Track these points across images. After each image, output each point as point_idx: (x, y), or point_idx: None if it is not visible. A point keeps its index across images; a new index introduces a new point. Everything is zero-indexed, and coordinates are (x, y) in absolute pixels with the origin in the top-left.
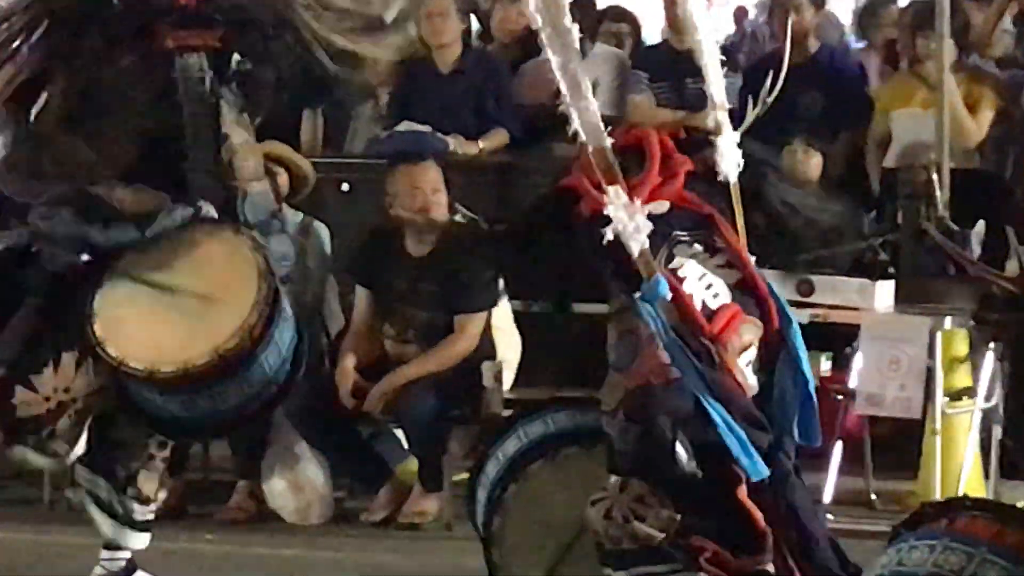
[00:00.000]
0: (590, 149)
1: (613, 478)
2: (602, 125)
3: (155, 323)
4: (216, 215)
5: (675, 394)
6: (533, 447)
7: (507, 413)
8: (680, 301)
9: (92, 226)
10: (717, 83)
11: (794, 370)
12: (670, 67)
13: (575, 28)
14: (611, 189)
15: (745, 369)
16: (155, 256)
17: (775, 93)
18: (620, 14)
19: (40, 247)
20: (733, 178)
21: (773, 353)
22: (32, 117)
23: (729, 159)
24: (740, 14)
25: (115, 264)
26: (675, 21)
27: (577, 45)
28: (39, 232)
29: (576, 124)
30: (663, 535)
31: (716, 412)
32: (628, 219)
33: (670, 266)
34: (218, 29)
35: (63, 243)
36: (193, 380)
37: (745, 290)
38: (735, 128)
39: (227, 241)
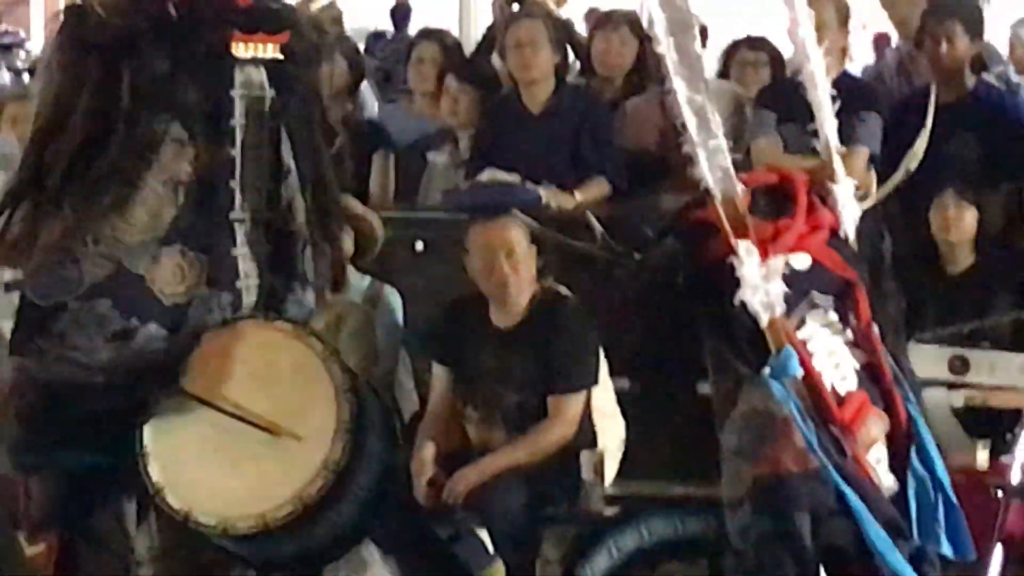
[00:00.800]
0: (717, 197)
1: None
2: (732, 169)
3: (221, 462)
4: (258, 293)
5: (816, 486)
6: (627, 563)
7: (610, 512)
8: (811, 380)
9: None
10: (829, 122)
11: (930, 472)
12: (805, 106)
13: (704, 54)
14: (741, 244)
15: (876, 467)
16: (206, 368)
17: (922, 146)
18: (757, 42)
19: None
20: (851, 234)
21: (899, 452)
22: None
23: (848, 212)
24: (882, 41)
25: (162, 381)
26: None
27: (707, 74)
28: (79, 362)
29: (702, 167)
30: None
31: (862, 511)
32: (761, 282)
33: (800, 334)
34: (283, 35)
35: (111, 372)
36: (273, 531)
37: (872, 376)
38: (879, 189)
39: (292, 349)
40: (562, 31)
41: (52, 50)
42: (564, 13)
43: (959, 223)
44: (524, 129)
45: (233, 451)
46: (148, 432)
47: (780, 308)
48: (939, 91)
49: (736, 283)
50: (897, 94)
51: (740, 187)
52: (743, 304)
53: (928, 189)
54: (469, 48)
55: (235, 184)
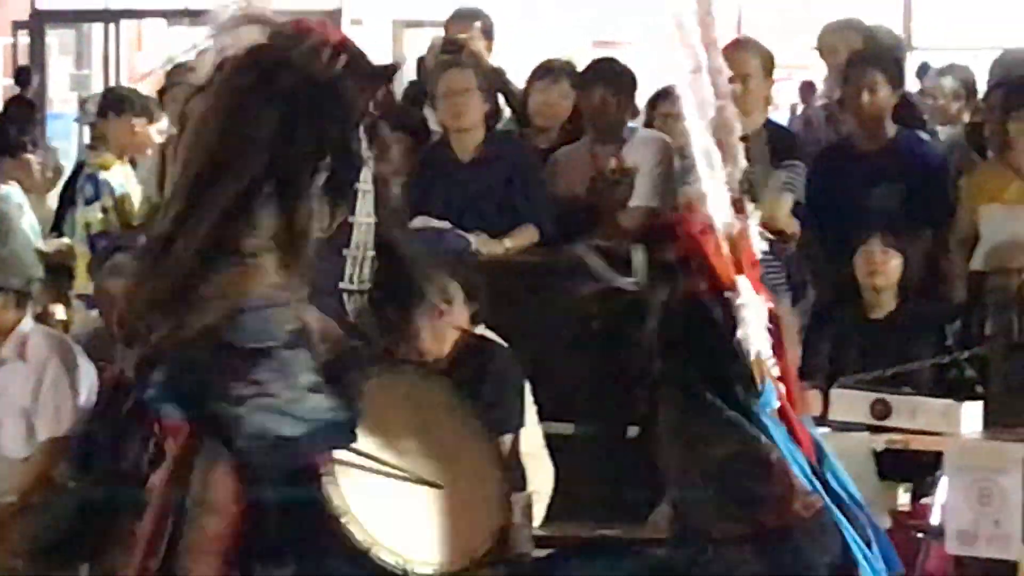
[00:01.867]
0: (720, 232)
1: None
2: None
3: (406, 517)
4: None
5: (830, 533)
6: None
7: (538, 553)
8: (785, 413)
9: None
10: (740, 166)
11: (848, 494)
12: None
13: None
14: (740, 281)
15: None
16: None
17: None
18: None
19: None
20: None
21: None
22: None
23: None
24: (808, 90)
25: (347, 438)
26: (737, 101)
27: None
28: (282, 411)
29: (710, 205)
30: None
31: (860, 546)
32: (756, 319)
33: None
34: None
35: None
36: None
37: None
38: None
39: (430, 392)
40: (493, 79)
41: (226, 93)
42: (503, 61)
43: (885, 269)
44: (454, 177)
45: (412, 506)
46: (330, 490)
47: (767, 344)
48: (862, 140)
49: (732, 319)
50: (825, 141)
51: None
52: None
53: (853, 235)
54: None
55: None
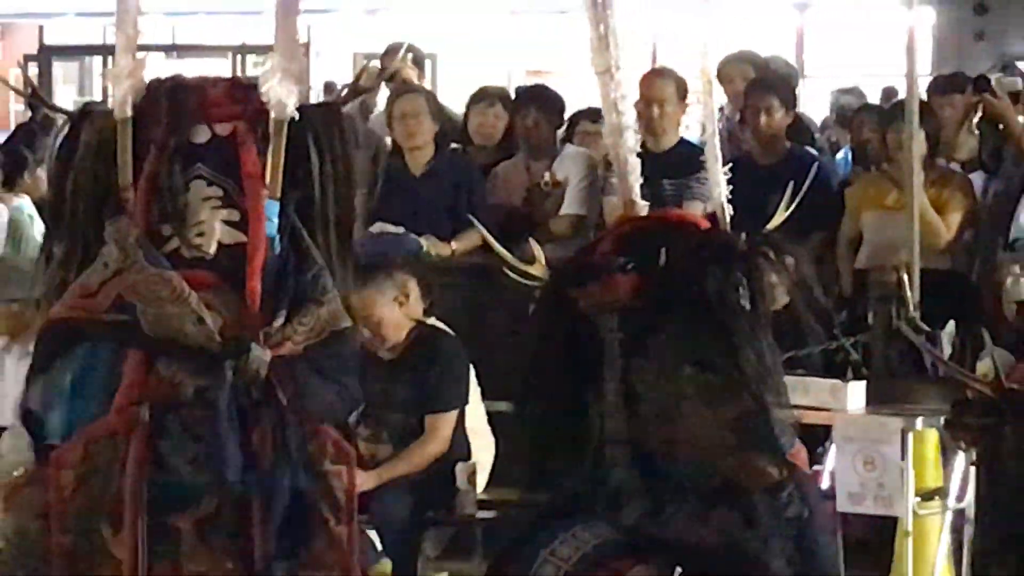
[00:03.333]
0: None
1: None
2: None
3: None
4: None
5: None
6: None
7: (481, 515)
8: None
9: None
10: (634, 176)
11: None
12: (645, 168)
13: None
14: None
15: None
16: None
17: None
18: (596, 114)
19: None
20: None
21: None
22: None
23: None
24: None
25: None
26: (652, 124)
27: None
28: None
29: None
30: None
31: None
32: None
33: None
34: None
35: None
36: None
37: None
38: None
39: None
40: (438, 104)
41: None
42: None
43: (781, 268)
44: (408, 188)
45: None
46: None
47: None
48: (760, 154)
49: None
50: (728, 156)
51: None
52: None
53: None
54: None
55: None
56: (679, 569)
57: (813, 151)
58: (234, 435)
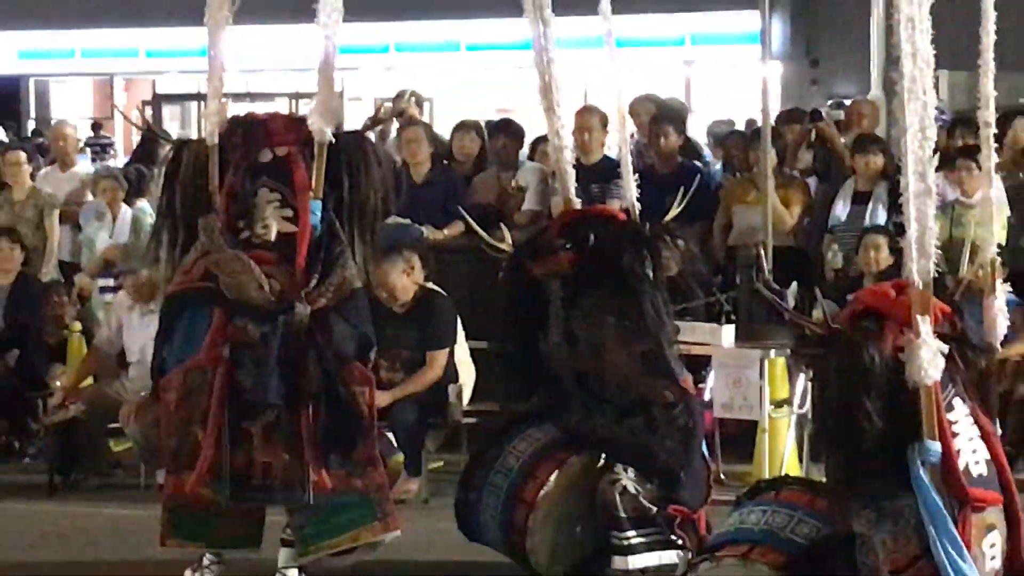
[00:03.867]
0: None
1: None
2: None
3: None
4: None
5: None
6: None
7: (466, 421)
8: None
9: None
10: (630, 186)
11: None
12: (579, 177)
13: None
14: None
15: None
16: None
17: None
18: (546, 139)
19: None
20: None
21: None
22: None
23: None
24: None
25: None
26: (583, 145)
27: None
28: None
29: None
30: (655, 507)
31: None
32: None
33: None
34: None
35: None
36: None
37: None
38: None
39: None
40: (432, 132)
41: None
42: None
43: (674, 247)
44: (412, 192)
45: None
46: None
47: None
48: (660, 167)
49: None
50: (639, 167)
51: None
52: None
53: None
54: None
55: None
56: (603, 457)
57: (699, 164)
58: (285, 366)
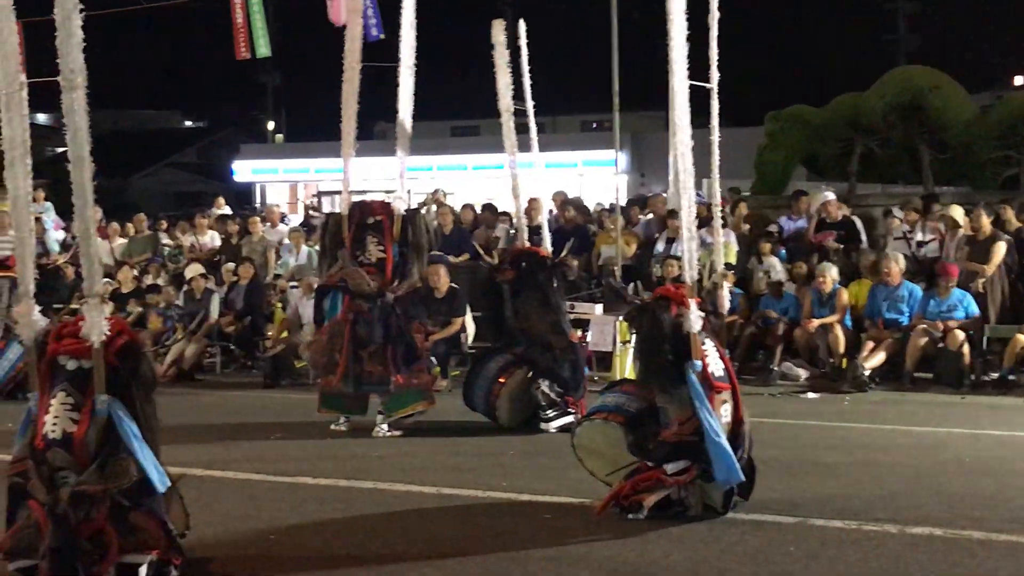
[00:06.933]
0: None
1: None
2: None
3: None
4: None
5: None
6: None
7: (469, 351)
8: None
9: None
10: (547, 237)
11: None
12: (529, 234)
13: None
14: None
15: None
16: None
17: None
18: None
19: None
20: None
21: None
22: None
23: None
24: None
25: None
26: (531, 217)
27: None
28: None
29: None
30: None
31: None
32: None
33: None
34: None
35: None
36: None
37: None
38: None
39: None
40: (453, 210)
41: None
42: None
43: (571, 272)
44: (442, 239)
45: None
46: None
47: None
48: (563, 227)
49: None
50: (551, 229)
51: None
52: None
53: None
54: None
55: None
56: (532, 372)
57: (585, 226)
58: (381, 325)
